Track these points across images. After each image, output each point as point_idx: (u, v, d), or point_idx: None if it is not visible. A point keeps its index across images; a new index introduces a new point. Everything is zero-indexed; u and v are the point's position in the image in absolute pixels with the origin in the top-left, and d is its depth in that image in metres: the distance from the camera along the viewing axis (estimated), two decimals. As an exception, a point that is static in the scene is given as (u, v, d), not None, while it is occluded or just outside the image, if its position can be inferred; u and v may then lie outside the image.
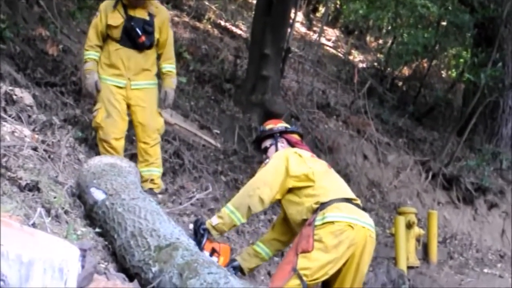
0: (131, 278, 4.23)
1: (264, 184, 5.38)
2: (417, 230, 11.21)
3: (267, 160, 5.63)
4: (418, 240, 11.31)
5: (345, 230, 5.15)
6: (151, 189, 7.18)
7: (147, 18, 7.14)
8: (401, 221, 10.67)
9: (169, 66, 7.40)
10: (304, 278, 5.05)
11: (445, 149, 14.53)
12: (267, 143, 6.05)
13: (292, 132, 6.12)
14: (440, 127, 16.66)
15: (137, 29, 7.06)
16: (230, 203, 5.48)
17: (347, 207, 5.32)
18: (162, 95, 7.37)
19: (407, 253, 10.72)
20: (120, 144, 7.19)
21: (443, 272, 11.40)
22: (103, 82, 7.16)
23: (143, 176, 7.26)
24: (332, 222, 5.16)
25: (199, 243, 5.33)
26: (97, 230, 5.11)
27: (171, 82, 7.42)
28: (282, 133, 6.04)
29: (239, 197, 5.48)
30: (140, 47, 7.15)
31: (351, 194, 5.55)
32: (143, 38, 7.09)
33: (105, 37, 7.20)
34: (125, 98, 7.17)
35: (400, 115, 15.99)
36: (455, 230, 13.16)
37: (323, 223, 5.15)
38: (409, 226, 10.93)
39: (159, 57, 7.42)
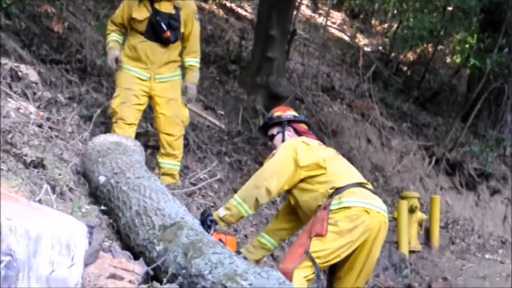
0: (135, 257, 4.23)
1: (272, 175, 5.34)
2: (419, 215, 11.25)
3: (274, 151, 5.57)
4: (420, 224, 11.35)
5: (361, 215, 5.13)
6: (168, 185, 7.09)
7: (173, 12, 7.04)
8: (404, 205, 10.70)
9: (193, 60, 7.29)
10: (317, 261, 5.05)
11: (449, 135, 14.51)
12: (274, 130, 6.00)
13: (300, 121, 6.06)
14: (444, 112, 16.62)
15: (163, 24, 6.97)
16: (237, 195, 5.44)
17: (362, 192, 5.30)
18: (183, 89, 7.28)
19: (409, 237, 10.76)
20: (132, 130, 7.11)
21: (445, 257, 11.44)
22: (125, 71, 7.11)
23: (162, 167, 7.29)
24: (349, 207, 5.14)
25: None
26: (102, 208, 5.11)
27: (193, 77, 7.32)
28: (290, 121, 5.99)
29: (247, 188, 5.45)
30: (165, 42, 7.08)
31: (362, 179, 5.53)
32: (168, 33, 7.00)
33: (130, 30, 7.18)
34: (148, 90, 7.10)
35: (404, 100, 15.95)
36: (457, 215, 13.17)
37: (339, 208, 5.14)
38: (411, 210, 10.96)
39: (183, 49, 7.34)
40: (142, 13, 7.02)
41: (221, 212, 5.40)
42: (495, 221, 13.51)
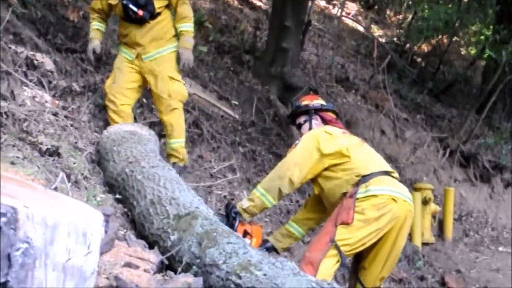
0: (150, 246, 4.24)
1: (295, 165, 5.36)
2: (433, 207, 11.24)
3: (296, 142, 5.59)
4: (433, 216, 11.33)
5: (388, 203, 5.12)
6: (174, 163, 7.08)
7: None
8: (417, 197, 10.69)
9: (184, 25, 7.10)
10: (342, 249, 5.04)
11: (464, 126, 14.45)
12: (301, 119, 6.02)
13: (327, 110, 6.05)
14: (459, 104, 16.55)
15: (131, 6, 6.88)
16: (260, 186, 5.48)
17: (389, 180, 5.29)
18: (177, 57, 7.15)
19: (422, 229, 10.76)
20: (124, 109, 7.07)
21: (458, 249, 11.42)
22: (120, 53, 7.19)
23: (167, 150, 7.28)
24: (376, 195, 5.13)
25: (231, 226, 5.34)
26: (117, 196, 5.12)
27: (184, 42, 7.10)
28: (317, 110, 5.99)
29: (270, 179, 5.48)
30: (141, 22, 6.99)
31: (388, 167, 5.52)
32: (141, 12, 6.89)
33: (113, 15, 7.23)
34: (139, 69, 7.09)
35: (418, 91, 15.88)
36: (471, 207, 13.13)
37: (366, 196, 5.13)
38: (425, 202, 10.95)
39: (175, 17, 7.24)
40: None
41: (245, 203, 5.45)
42: (508, 213, 13.44)
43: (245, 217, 5.46)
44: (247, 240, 5.42)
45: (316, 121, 5.92)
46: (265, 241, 5.74)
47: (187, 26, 7.08)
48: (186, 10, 7.09)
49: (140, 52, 7.06)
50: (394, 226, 5.19)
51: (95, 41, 7.14)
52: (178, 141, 7.27)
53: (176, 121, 7.21)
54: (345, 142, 5.45)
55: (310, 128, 5.87)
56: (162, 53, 7.08)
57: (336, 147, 5.37)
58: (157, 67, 7.04)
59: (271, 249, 5.74)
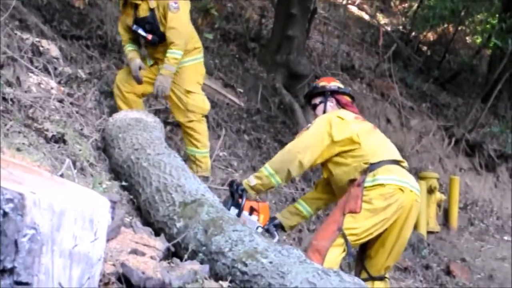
0: (155, 233, 4.24)
1: (305, 148, 5.33)
2: (438, 196, 11.22)
3: (309, 125, 5.56)
4: (439, 205, 11.32)
5: (395, 193, 5.11)
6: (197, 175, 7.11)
7: (148, 14, 6.90)
8: (423, 185, 10.67)
9: (169, 51, 6.87)
10: (349, 238, 5.04)
11: (469, 115, 14.42)
12: (317, 100, 5.97)
13: (344, 93, 5.99)
14: (465, 93, 16.50)
15: (141, 31, 6.93)
16: (269, 165, 5.44)
17: (397, 169, 5.28)
18: None
19: (427, 218, 10.75)
20: (130, 97, 7.10)
21: (463, 238, 11.41)
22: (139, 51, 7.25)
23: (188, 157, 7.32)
24: (383, 185, 5.12)
25: (237, 204, 5.38)
26: (123, 183, 5.12)
27: (163, 68, 6.91)
28: (334, 92, 5.93)
29: (280, 161, 5.45)
30: (152, 44, 7.06)
31: (398, 156, 5.49)
32: (149, 37, 6.93)
33: None
34: (154, 74, 7.10)
35: (424, 80, 15.85)
36: (476, 196, 13.11)
37: (374, 185, 5.12)
38: (430, 191, 10.93)
39: None
40: (129, 21, 7.03)
41: (252, 181, 5.43)
42: (514, 202, 13.45)
43: (251, 194, 5.47)
44: (255, 216, 5.45)
45: (331, 103, 5.86)
46: (272, 218, 5.73)
47: (171, 53, 6.86)
48: (173, 36, 6.87)
49: (158, 63, 7.10)
50: (400, 216, 5.18)
51: (137, 60, 7.03)
52: (201, 152, 7.32)
53: (197, 132, 7.25)
54: (356, 127, 5.42)
55: (325, 110, 5.82)
56: (180, 65, 7.03)
57: (347, 133, 5.34)
58: (175, 79, 7.03)
59: (279, 226, 5.73)
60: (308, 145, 5.35)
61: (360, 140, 5.31)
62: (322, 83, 6.04)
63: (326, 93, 5.91)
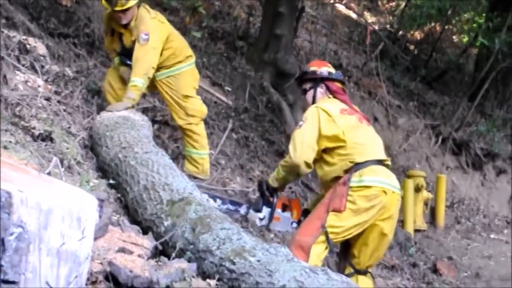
0: (143, 232, 4.23)
1: (307, 147, 5.34)
2: (425, 194, 11.26)
3: (301, 123, 5.50)
4: (426, 203, 11.36)
5: (380, 195, 5.16)
6: (192, 175, 7.19)
7: (131, 45, 6.92)
8: (410, 184, 10.72)
9: (130, 79, 6.77)
10: (331, 236, 5.07)
11: (456, 114, 14.46)
12: (307, 85, 5.86)
13: (335, 79, 5.87)
14: (451, 92, 16.55)
15: (128, 62, 6.95)
16: (282, 169, 5.52)
17: (382, 170, 5.31)
18: None
19: (414, 216, 10.79)
20: (121, 94, 7.03)
21: (450, 236, 11.46)
22: None
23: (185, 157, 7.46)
24: (369, 187, 5.16)
25: (269, 202, 5.53)
26: (110, 182, 5.11)
27: (123, 96, 6.80)
28: (324, 79, 5.81)
29: (288, 165, 5.47)
30: None
31: (383, 153, 5.53)
32: None
33: None
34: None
35: (411, 79, 15.87)
36: (463, 195, 13.17)
37: (359, 186, 5.15)
38: (417, 189, 10.97)
39: None
40: (116, 46, 7.15)
41: (274, 182, 5.59)
42: (500, 201, 13.51)
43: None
44: (288, 213, 5.53)
45: (321, 89, 5.76)
46: (305, 211, 5.75)
47: (132, 81, 6.75)
48: (134, 65, 6.82)
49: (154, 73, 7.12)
50: (382, 216, 5.24)
51: (127, 71, 7.00)
52: (199, 153, 7.43)
53: (196, 134, 7.40)
54: (342, 124, 5.39)
55: (314, 96, 5.76)
56: (175, 72, 7.21)
57: (333, 130, 5.33)
58: (172, 85, 7.19)
59: None
60: (309, 143, 5.34)
61: (345, 137, 5.31)
62: (313, 67, 5.93)
63: (316, 80, 5.82)
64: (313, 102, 5.72)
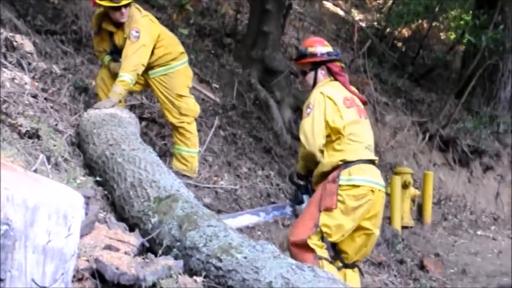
0: (130, 229, 4.23)
1: (317, 135, 5.38)
2: (412, 191, 11.28)
3: (308, 110, 5.46)
4: (413, 200, 11.37)
5: (367, 195, 5.24)
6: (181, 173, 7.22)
7: (123, 44, 6.91)
8: (397, 181, 10.73)
9: (119, 74, 6.76)
10: (325, 235, 5.16)
11: (443, 111, 14.49)
12: (307, 67, 5.77)
13: (334, 59, 5.77)
14: (438, 89, 16.57)
15: (116, 58, 6.99)
16: (300, 158, 5.66)
17: (370, 169, 5.36)
18: None
19: (401, 213, 10.80)
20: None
21: (437, 233, 11.48)
22: None
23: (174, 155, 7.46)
24: (358, 186, 5.22)
25: (306, 189, 5.75)
26: (97, 179, 5.10)
27: (111, 90, 6.79)
28: (325, 61, 5.71)
29: (303, 158, 5.59)
30: None
31: (372, 153, 5.57)
32: None
33: None
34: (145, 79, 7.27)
35: (399, 76, 15.89)
36: (450, 191, 13.20)
37: (348, 185, 5.19)
38: (405, 186, 10.98)
39: None
40: (107, 46, 7.14)
41: (302, 171, 5.77)
42: (487, 197, 13.55)
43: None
44: None
45: (322, 71, 5.70)
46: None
47: (120, 76, 6.75)
48: (123, 61, 6.82)
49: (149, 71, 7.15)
50: (369, 213, 5.31)
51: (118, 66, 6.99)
52: (190, 151, 7.45)
53: (189, 132, 7.41)
54: (345, 117, 5.42)
55: (315, 79, 5.71)
56: (169, 70, 7.22)
57: (336, 123, 5.38)
58: (166, 84, 7.20)
59: None
60: (317, 132, 5.38)
61: (345, 132, 5.34)
62: (311, 48, 5.76)
63: (317, 61, 5.71)
64: (314, 83, 5.71)
